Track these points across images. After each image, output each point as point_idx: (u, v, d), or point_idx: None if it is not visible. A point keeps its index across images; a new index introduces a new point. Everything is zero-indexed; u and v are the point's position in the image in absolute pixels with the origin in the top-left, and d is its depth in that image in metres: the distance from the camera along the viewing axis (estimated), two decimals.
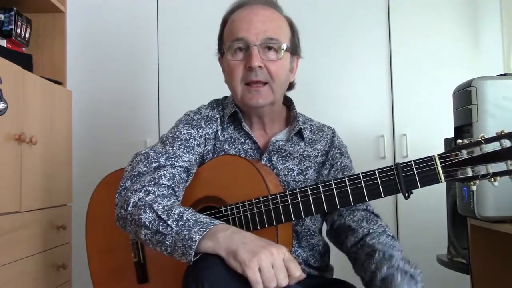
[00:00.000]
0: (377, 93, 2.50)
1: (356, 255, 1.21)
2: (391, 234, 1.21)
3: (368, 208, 1.28)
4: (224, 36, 1.30)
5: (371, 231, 1.21)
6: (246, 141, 1.31)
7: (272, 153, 1.29)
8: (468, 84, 1.45)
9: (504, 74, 1.70)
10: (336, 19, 2.53)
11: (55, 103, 1.99)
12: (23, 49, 2.07)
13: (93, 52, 2.57)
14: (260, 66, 1.21)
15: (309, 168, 1.30)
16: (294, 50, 1.31)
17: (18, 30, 1.99)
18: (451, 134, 1.61)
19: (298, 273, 0.94)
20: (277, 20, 1.27)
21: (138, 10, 2.57)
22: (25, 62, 1.92)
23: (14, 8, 1.96)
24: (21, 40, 2.02)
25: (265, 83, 1.24)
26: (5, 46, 1.91)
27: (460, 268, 1.79)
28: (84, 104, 2.51)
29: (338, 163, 1.33)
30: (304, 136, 1.32)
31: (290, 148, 1.30)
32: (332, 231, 1.32)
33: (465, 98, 1.46)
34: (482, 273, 1.56)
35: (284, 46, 1.24)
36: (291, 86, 1.38)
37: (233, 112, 1.31)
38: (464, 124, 1.49)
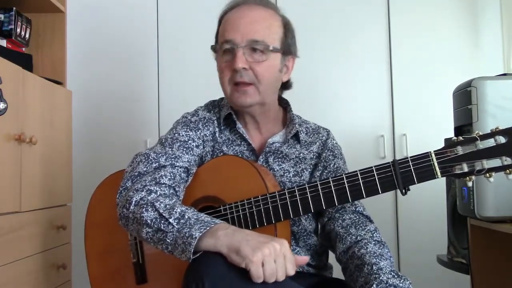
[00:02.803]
0: (377, 93, 2.50)
1: (345, 264, 1.20)
2: (379, 239, 1.20)
3: (357, 209, 1.27)
4: (218, 37, 1.30)
5: (359, 238, 1.19)
6: (242, 143, 1.32)
7: (268, 154, 1.30)
8: (468, 84, 1.45)
9: (504, 74, 1.70)
10: (336, 18, 2.53)
11: (55, 103, 1.99)
12: (23, 49, 2.07)
13: (93, 52, 2.56)
14: (244, 68, 1.22)
15: (304, 170, 1.31)
16: (287, 50, 1.29)
17: (18, 30, 1.99)
18: (451, 134, 1.61)
19: (292, 273, 0.96)
20: (267, 20, 1.26)
21: (138, 10, 2.57)
22: (25, 62, 1.92)
23: (14, 8, 1.96)
24: (21, 40, 2.02)
25: (251, 84, 1.24)
26: (5, 46, 1.91)
27: (460, 268, 1.79)
28: (84, 104, 2.51)
29: (331, 165, 1.32)
30: (300, 138, 1.33)
31: (287, 150, 1.31)
32: (323, 234, 1.32)
33: (465, 98, 1.46)
34: (482, 273, 1.56)
35: (271, 47, 1.24)
36: (287, 86, 1.38)
37: (228, 114, 1.31)
38: (464, 124, 1.49)
